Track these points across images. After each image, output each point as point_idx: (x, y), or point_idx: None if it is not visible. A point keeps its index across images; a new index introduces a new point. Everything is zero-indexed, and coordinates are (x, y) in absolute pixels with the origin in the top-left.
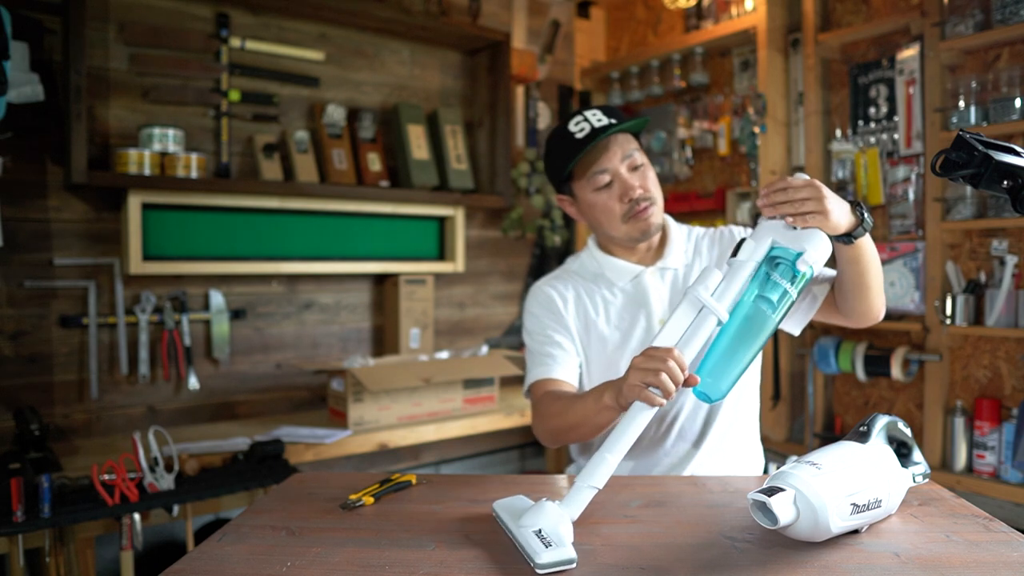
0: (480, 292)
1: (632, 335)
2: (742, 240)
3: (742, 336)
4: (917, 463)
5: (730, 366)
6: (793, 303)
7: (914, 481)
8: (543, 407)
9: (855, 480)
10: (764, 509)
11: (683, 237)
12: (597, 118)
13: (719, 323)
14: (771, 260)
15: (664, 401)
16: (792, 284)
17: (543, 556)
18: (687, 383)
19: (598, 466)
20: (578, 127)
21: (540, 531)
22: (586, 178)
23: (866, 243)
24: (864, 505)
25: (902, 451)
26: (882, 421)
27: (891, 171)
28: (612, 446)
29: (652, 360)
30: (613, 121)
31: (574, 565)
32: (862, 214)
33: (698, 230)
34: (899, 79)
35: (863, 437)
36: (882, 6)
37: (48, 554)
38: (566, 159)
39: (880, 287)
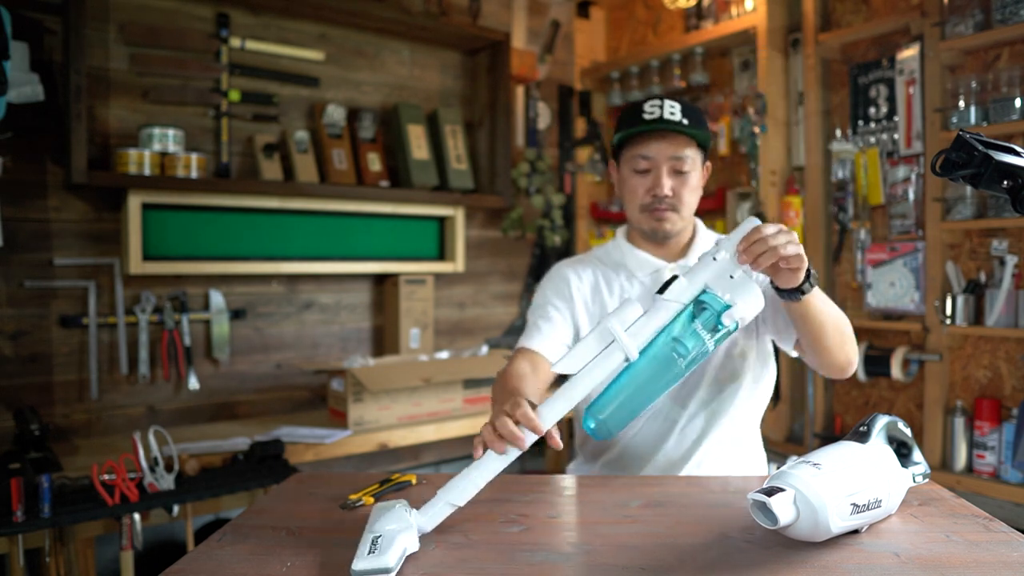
0: (480, 292)
1: None
2: (674, 277)
3: (647, 379)
4: (917, 463)
5: (626, 407)
6: (708, 356)
7: (914, 481)
8: (502, 375)
9: (855, 480)
10: (764, 509)
11: (711, 241)
12: (671, 111)
13: (627, 359)
14: (697, 304)
15: (493, 449)
16: (712, 336)
17: (357, 563)
18: (549, 441)
19: (463, 483)
20: (651, 109)
21: (378, 537)
22: (631, 156)
23: (814, 299)
24: (864, 505)
25: (902, 451)
26: (882, 421)
27: (891, 171)
28: (480, 467)
29: (501, 414)
30: (684, 121)
31: (389, 575)
32: (808, 269)
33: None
34: (899, 79)
35: (863, 437)
36: (882, 6)
37: (48, 554)
38: (622, 130)
39: (841, 342)
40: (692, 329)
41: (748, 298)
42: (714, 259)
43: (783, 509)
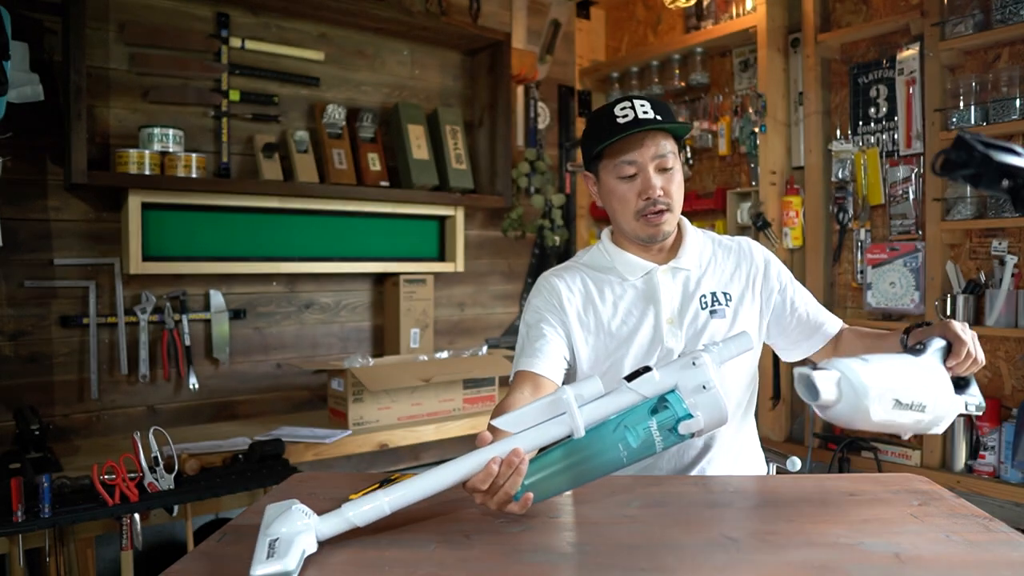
0: (480, 292)
1: (639, 331)
2: (646, 368)
3: (584, 459)
4: (972, 395)
5: (553, 483)
6: (652, 455)
7: (966, 409)
8: (502, 406)
9: (900, 377)
10: (808, 384)
11: (698, 240)
12: (644, 110)
13: (572, 434)
14: (660, 400)
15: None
16: (663, 438)
17: (257, 568)
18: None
19: (370, 506)
20: (623, 112)
21: (276, 540)
22: (613, 164)
23: None
24: (907, 404)
25: (959, 382)
26: (939, 343)
27: (891, 171)
28: (394, 495)
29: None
30: (658, 117)
31: None
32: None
33: (715, 236)
34: (899, 79)
35: (917, 352)
36: (882, 6)
37: (48, 554)
38: (599, 139)
39: None
40: (646, 425)
41: (712, 413)
42: (694, 364)
43: (826, 386)
